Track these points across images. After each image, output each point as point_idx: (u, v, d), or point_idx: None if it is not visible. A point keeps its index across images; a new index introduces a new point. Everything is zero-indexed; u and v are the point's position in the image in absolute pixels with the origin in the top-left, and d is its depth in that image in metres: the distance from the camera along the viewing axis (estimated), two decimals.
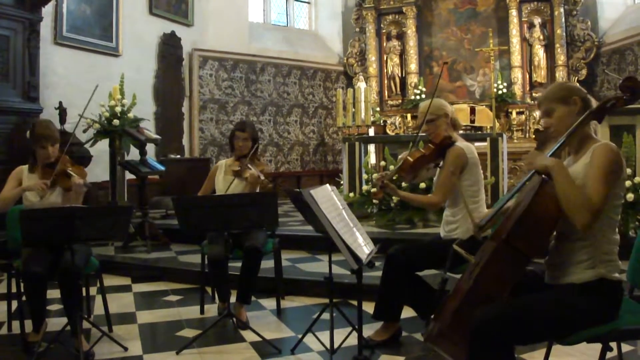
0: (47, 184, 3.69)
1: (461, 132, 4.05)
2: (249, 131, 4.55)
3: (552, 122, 2.46)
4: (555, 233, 2.38)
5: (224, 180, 4.53)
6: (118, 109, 6.89)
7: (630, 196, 5.02)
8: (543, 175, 2.28)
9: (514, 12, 10.80)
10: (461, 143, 3.63)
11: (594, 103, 2.41)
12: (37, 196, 3.81)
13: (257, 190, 4.43)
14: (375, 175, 3.56)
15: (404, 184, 6.59)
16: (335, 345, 3.29)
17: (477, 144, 4.99)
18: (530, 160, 2.35)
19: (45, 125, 3.89)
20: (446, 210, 3.69)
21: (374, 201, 6.88)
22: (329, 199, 3.17)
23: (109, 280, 5.22)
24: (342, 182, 7.88)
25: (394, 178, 3.54)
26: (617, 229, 2.35)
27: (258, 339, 3.67)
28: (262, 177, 4.34)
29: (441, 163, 3.64)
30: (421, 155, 3.55)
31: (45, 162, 3.82)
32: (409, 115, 11.45)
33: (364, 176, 7.33)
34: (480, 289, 2.25)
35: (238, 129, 4.57)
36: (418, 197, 3.70)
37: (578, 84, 2.54)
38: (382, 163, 7.26)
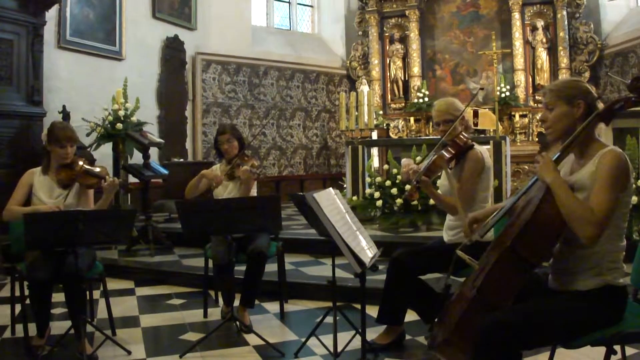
0: (60, 208, 3.71)
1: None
2: (229, 132, 4.53)
3: (549, 118, 2.41)
4: (561, 239, 2.36)
5: (221, 187, 4.51)
6: (121, 112, 6.90)
7: (634, 199, 5.01)
8: None
9: (516, 15, 10.80)
10: (478, 147, 3.62)
11: (601, 107, 2.35)
12: (52, 197, 3.82)
13: (253, 186, 4.44)
14: (405, 172, 3.51)
15: (407, 188, 6.60)
16: (339, 349, 3.29)
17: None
18: (537, 168, 2.32)
19: (65, 126, 3.93)
20: (449, 214, 3.67)
21: (378, 204, 6.88)
22: (332, 203, 3.17)
23: (113, 284, 5.23)
24: (345, 186, 7.88)
25: (422, 178, 3.49)
26: (624, 236, 2.32)
27: (261, 342, 3.67)
28: (255, 171, 4.30)
29: (452, 164, 3.62)
30: (450, 158, 3.50)
31: (62, 162, 3.84)
32: (412, 119, 11.46)
33: (367, 179, 7.34)
34: (485, 296, 2.23)
35: (219, 134, 4.56)
36: (447, 199, 3.63)
37: (588, 85, 2.48)
38: (386, 166, 7.26)
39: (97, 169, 3.89)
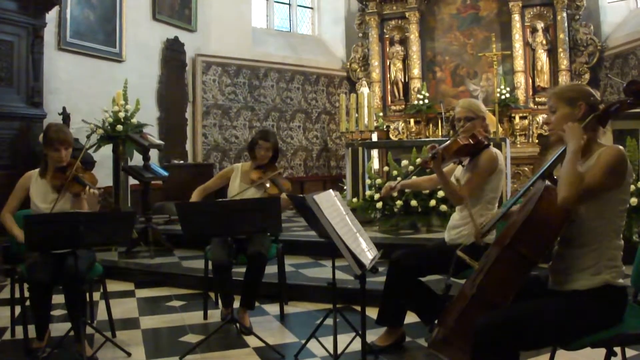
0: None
1: None
2: (272, 142, 4.55)
3: (552, 120, 2.46)
4: (559, 238, 2.36)
5: (239, 187, 4.52)
6: (121, 114, 6.91)
7: (634, 200, 5.01)
8: (547, 181, 2.27)
9: (516, 17, 10.79)
10: (494, 148, 3.67)
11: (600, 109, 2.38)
12: (45, 202, 3.82)
13: None
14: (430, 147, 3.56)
15: (407, 191, 6.59)
16: (339, 351, 3.29)
17: None
18: (565, 131, 2.32)
19: (60, 129, 3.89)
20: (454, 214, 3.69)
21: (378, 206, 6.88)
22: (332, 205, 3.16)
23: (112, 286, 5.22)
24: (345, 188, 7.88)
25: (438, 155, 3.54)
26: (621, 235, 2.34)
27: (261, 344, 3.66)
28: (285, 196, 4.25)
29: (465, 162, 3.65)
30: (465, 145, 3.54)
31: (57, 165, 3.83)
32: (412, 121, 11.44)
33: (367, 181, 7.34)
34: (484, 295, 2.24)
35: (262, 138, 4.54)
36: (452, 182, 3.68)
37: (591, 89, 2.51)
38: (386, 168, 7.26)
39: (86, 177, 3.84)
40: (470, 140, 3.55)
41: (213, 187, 4.62)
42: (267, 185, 4.43)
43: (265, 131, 4.80)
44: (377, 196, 6.88)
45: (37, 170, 3.94)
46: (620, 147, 2.29)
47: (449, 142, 3.55)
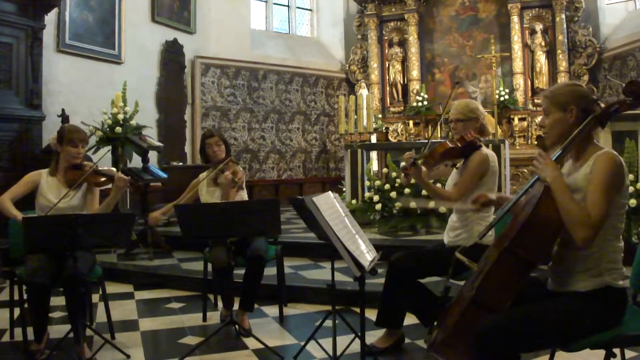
0: None
1: None
2: (218, 135, 4.57)
3: (546, 124, 2.45)
4: (559, 240, 2.36)
5: (207, 193, 4.53)
6: (120, 116, 6.90)
7: (633, 202, 5.01)
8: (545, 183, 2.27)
9: (515, 19, 10.81)
10: (487, 150, 3.65)
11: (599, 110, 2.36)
12: (59, 197, 3.82)
13: (243, 193, 4.51)
14: (405, 155, 3.55)
15: (407, 191, 6.59)
16: (338, 353, 3.29)
17: None
18: (535, 167, 2.33)
19: (77, 128, 4.00)
20: (452, 216, 3.68)
21: (377, 208, 6.88)
22: (331, 206, 3.16)
23: (112, 288, 5.22)
24: (344, 189, 7.88)
25: (419, 162, 3.51)
26: (621, 237, 2.33)
27: (261, 346, 3.66)
28: (235, 180, 4.26)
29: (459, 164, 3.64)
30: (452, 148, 3.53)
31: (73, 162, 3.90)
32: (411, 122, 11.46)
33: (366, 183, 7.33)
34: (483, 297, 2.24)
35: (207, 137, 4.57)
36: (438, 188, 3.67)
37: (587, 89, 2.49)
38: (385, 170, 7.26)
39: (105, 170, 3.97)
40: (458, 143, 3.54)
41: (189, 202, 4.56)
42: (221, 179, 4.35)
43: (208, 130, 4.81)
44: (376, 198, 6.87)
45: (45, 170, 3.99)
46: (613, 153, 2.27)
47: (435, 146, 3.55)
